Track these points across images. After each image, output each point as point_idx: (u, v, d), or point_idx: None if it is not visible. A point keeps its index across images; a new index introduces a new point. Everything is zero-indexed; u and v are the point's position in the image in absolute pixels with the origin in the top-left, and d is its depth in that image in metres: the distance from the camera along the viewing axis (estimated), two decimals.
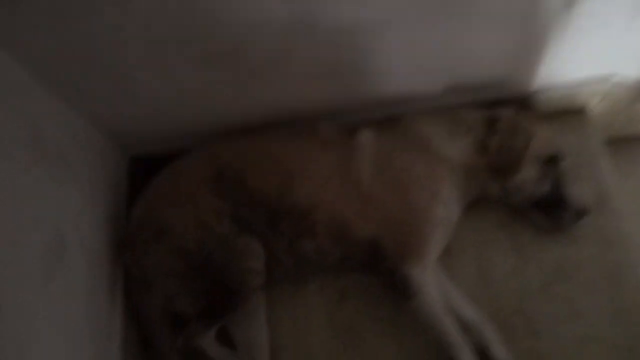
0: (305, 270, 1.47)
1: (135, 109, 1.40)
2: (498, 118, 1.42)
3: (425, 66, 1.37)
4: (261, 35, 1.19)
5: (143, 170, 1.57)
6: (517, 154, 1.39)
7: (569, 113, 1.61)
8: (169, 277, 1.39)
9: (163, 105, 1.41)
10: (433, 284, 1.37)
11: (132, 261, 1.42)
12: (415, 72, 1.39)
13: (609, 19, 1.27)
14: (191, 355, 1.42)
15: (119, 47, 1.16)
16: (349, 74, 1.36)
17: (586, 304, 1.40)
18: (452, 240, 1.49)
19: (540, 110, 1.57)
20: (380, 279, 1.44)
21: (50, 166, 1.23)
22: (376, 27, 1.21)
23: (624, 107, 1.63)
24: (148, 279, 1.41)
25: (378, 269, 1.40)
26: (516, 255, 1.50)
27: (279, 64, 1.29)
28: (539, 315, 1.41)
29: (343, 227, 1.39)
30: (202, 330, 1.41)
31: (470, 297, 1.42)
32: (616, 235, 1.46)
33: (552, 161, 1.43)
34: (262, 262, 1.39)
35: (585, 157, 1.56)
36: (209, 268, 1.37)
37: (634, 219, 1.54)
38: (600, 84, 1.52)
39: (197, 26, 1.14)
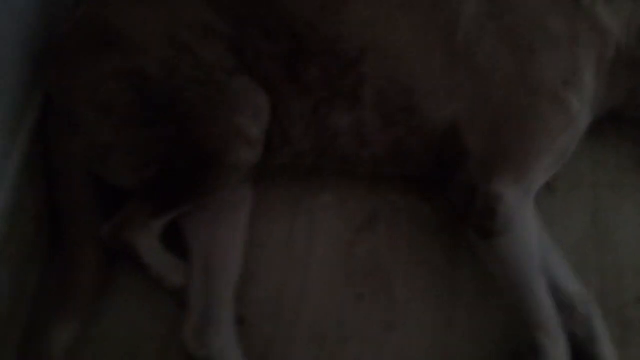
0: (326, 161, 0.92)
1: None
2: None
3: None
4: None
5: None
6: None
7: None
8: (108, 114, 0.83)
9: None
10: (533, 223, 0.83)
11: (58, 80, 0.86)
12: None
13: None
14: (115, 251, 0.88)
15: None
16: None
17: None
18: (559, 174, 0.95)
19: None
20: (446, 201, 0.89)
21: None
22: None
23: None
24: (76, 112, 0.85)
25: (449, 181, 0.85)
26: None
27: None
28: None
29: (407, 96, 0.83)
30: (144, 217, 0.85)
31: (575, 266, 0.88)
32: None
33: None
34: (263, 124, 0.83)
35: None
36: (173, 112, 0.81)
37: None
38: None
39: None
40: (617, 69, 0.87)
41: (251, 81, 0.83)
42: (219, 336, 0.83)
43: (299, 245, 0.95)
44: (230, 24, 0.83)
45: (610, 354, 0.81)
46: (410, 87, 0.83)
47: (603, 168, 1.00)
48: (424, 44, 0.82)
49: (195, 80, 0.81)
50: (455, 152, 0.84)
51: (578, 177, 0.98)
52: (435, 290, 0.92)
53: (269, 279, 0.93)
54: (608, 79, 0.87)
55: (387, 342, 0.88)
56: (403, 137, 0.86)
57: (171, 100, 0.81)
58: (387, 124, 0.85)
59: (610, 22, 0.85)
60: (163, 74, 0.81)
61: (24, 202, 0.87)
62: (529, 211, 0.83)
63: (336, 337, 0.88)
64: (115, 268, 0.91)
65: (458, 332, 0.88)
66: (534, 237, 0.82)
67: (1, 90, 0.84)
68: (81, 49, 0.85)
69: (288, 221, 0.97)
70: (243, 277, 0.91)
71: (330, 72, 0.83)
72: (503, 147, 0.81)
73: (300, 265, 0.94)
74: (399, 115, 0.84)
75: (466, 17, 0.82)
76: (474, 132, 0.82)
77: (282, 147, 0.88)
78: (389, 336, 0.88)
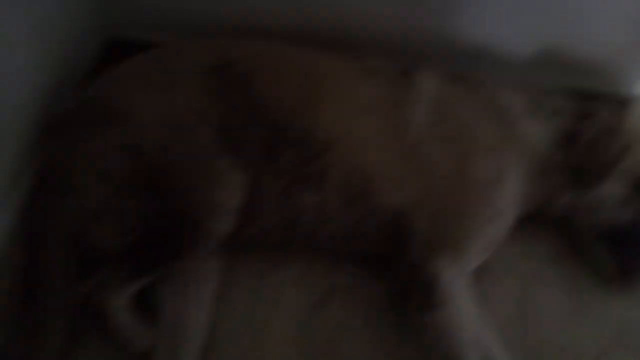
0: (292, 236, 1.03)
1: None
2: (594, 112, 1.09)
3: (522, 15, 1.06)
4: None
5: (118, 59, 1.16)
6: (609, 158, 1.05)
7: None
8: (104, 181, 0.93)
9: None
10: (467, 299, 0.96)
11: (60, 147, 0.97)
12: (507, 19, 1.07)
13: None
14: (87, 312, 0.93)
15: None
16: None
17: None
18: (490, 261, 1.10)
19: None
20: (392, 279, 1.01)
21: None
22: None
23: None
24: (71, 177, 0.94)
25: (396, 260, 0.98)
26: (569, 303, 1.10)
27: None
28: None
29: (364, 183, 0.98)
30: (119, 281, 0.94)
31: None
32: None
33: None
34: (239, 199, 0.96)
35: None
36: (161, 185, 0.93)
37: None
38: None
39: None
40: (537, 174, 1.05)
41: (234, 161, 0.97)
42: None
43: (259, 319, 1.02)
44: (222, 110, 0.98)
45: None
46: (369, 176, 0.99)
47: (530, 259, 1.14)
48: (381, 141, 1.00)
49: (184, 156, 0.94)
50: (403, 234, 0.98)
51: (505, 266, 1.12)
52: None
53: (229, 351, 0.98)
54: (531, 182, 1.05)
55: None
56: (360, 218, 1.00)
57: (159, 173, 0.93)
58: (348, 205, 0.99)
59: (534, 132, 1.05)
60: (157, 149, 0.94)
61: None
62: (465, 289, 0.96)
63: None
64: (83, 331, 0.95)
65: None
66: (469, 312, 0.94)
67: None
68: (86, 122, 0.98)
69: (251, 294, 1.05)
70: (206, 345, 0.96)
71: (302, 158, 0.98)
72: (443, 231, 0.96)
73: (259, 340, 1.00)
74: (359, 199, 0.99)
75: (416, 123, 1.01)
76: (419, 217, 0.97)
77: (253, 220, 1.00)
78: None
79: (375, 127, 1.00)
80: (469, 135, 1.02)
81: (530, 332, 1.06)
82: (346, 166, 0.99)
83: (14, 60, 0.95)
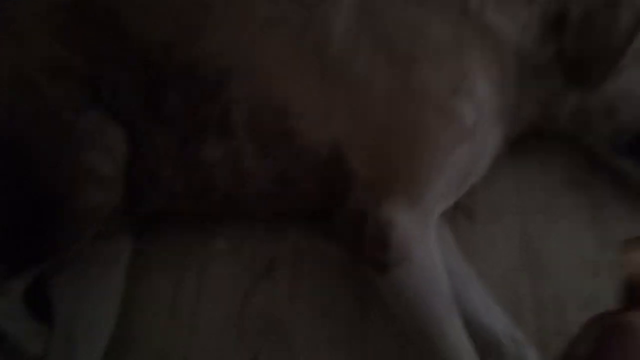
0: (207, 204, 0.80)
1: None
2: None
3: None
4: None
5: None
6: (615, 39, 0.74)
7: None
8: None
9: None
10: (437, 253, 0.71)
11: None
12: None
13: None
14: None
15: None
16: None
17: None
18: (479, 197, 0.85)
19: None
20: (339, 238, 0.77)
21: None
22: None
23: None
24: None
25: (340, 214, 0.74)
26: (590, 239, 0.84)
27: None
28: None
29: (279, 121, 0.73)
30: None
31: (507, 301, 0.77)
32: None
33: None
34: (118, 162, 0.73)
35: None
36: (14, 156, 0.72)
37: None
38: None
39: None
40: (523, 80, 0.78)
41: (104, 117, 0.73)
42: None
43: (186, 305, 0.83)
44: (84, 57, 0.75)
45: None
46: (284, 109, 0.73)
47: (529, 191, 0.88)
48: (293, 63, 0.73)
49: (37, 120, 0.72)
50: (341, 178, 0.73)
51: (501, 202, 0.87)
52: (342, 343, 0.78)
53: (149, 347, 0.80)
54: (515, 89, 0.78)
55: None
56: (286, 167, 0.75)
57: (11, 144, 0.72)
58: (266, 153, 0.75)
59: (503, 27, 0.76)
60: (3, 115, 0.72)
61: None
62: (431, 240, 0.70)
63: None
64: None
65: None
66: (438, 269, 0.69)
67: None
68: None
69: (174, 277, 0.85)
70: (121, 344, 0.78)
71: (192, 101, 0.74)
72: (390, 167, 0.70)
73: (185, 329, 0.81)
74: (276, 142, 0.74)
75: (337, 32, 0.74)
76: (357, 154, 0.71)
77: (152, 190, 0.78)
78: None
79: (282, 47, 0.74)
80: (411, 36, 0.73)
81: (541, 285, 0.81)
82: (251, 103, 0.73)
83: None
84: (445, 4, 0.75)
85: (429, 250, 0.69)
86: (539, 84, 0.78)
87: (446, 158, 0.71)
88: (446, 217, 0.81)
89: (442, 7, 0.75)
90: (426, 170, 0.70)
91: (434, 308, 0.68)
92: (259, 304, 0.82)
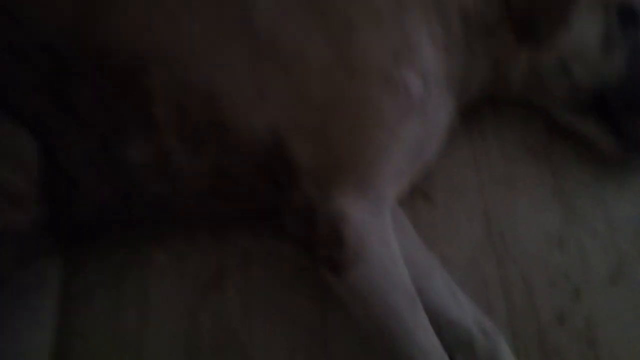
0: (137, 211, 0.71)
1: None
2: None
3: None
4: None
5: None
6: None
7: None
8: None
9: None
10: (395, 244, 0.64)
11: None
12: None
13: None
14: None
15: None
16: None
17: None
18: (436, 173, 0.79)
19: None
20: (290, 239, 0.70)
21: None
22: None
23: None
24: None
25: (287, 210, 0.67)
26: (556, 207, 0.79)
27: None
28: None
29: (207, 110, 0.65)
30: None
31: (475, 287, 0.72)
32: None
33: (630, 16, 0.73)
34: (30, 173, 0.63)
35: None
36: None
37: None
38: None
39: None
40: (471, 42, 0.72)
41: (7, 122, 0.64)
42: None
43: (129, 329, 0.74)
44: None
45: None
46: (210, 94, 0.65)
47: (487, 164, 0.83)
48: (215, 44, 0.66)
49: None
50: (285, 169, 0.66)
51: (460, 180, 0.81)
52: (303, 351, 0.71)
53: None
54: (464, 54, 0.72)
55: None
56: (221, 162, 0.68)
57: None
58: (196, 148, 0.66)
59: None
60: None
61: None
62: (387, 230, 0.63)
63: None
64: None
65: None
66: (398, 264, 0.63)
67: None
68: None
69: (113, 299, 0.75)
70: None
71: (107, 94, 0.65)
72: (334, 151, 0.63)
73: (130, 353, 0.72)
74: (207, 134, 0.66)
75: (262, 6, 0.67)
76: (298, 138, 0.64)
77: (74, 200, 0.68)
78: None
79: (201, 22, 0.66)
80: (348, 1, 0.67)
81: (505, 262, 0.76)
82: (172, 91, 0.64)
83: None
84: None
85: (386, 243, 0.63)
86: (488, 44, 0.73)
87: (395, 135, 0.64)
88: (404, 205, 0.75)
89: None
90: (374, 151, 0.63)
91: (397, 306, 0.61)
92: (209, 319, 0.74)
